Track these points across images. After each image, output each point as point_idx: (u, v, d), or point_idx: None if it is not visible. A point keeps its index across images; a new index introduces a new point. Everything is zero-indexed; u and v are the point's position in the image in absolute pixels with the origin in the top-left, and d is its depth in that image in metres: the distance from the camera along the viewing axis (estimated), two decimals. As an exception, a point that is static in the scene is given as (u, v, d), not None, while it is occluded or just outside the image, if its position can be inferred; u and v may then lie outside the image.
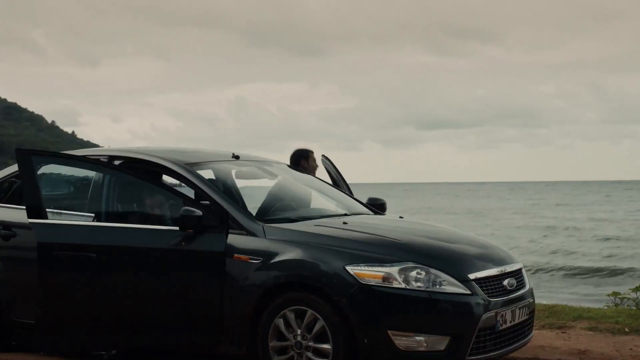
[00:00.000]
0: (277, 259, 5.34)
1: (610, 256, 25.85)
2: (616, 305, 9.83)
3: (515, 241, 31.95)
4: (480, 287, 5.26)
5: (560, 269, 22.40)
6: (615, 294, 10.19)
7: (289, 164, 7.60)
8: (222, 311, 5.46)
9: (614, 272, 21.12)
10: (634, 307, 8.96)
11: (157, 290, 5.72)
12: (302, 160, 7.92)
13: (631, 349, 6.63)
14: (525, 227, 38.79)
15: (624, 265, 22.66)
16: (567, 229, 38.30)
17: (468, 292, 5.17)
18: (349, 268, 5.13)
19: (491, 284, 5.37)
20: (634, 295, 9.88)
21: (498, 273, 5.50)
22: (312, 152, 8.08)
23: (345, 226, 5.70)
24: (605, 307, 9.53)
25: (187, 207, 5.57)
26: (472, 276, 5.27)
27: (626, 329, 7.25)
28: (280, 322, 5.27)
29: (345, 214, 6.41)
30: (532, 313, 5.87)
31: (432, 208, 66.78)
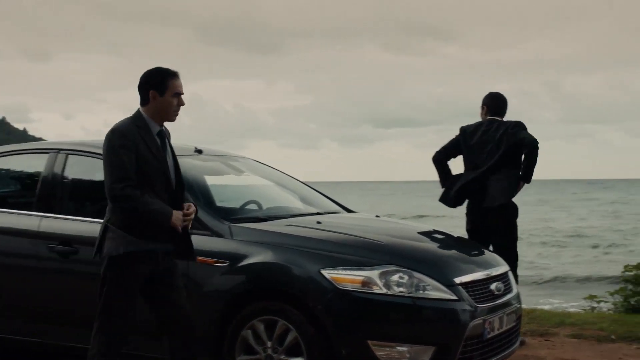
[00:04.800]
0: (245, 262, 4.85)
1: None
2: (593, 308, 9.55)
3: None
4: (467, 292, 4.82)
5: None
6: (592, 297, 9.89)
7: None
8: None
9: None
10: (616, 312, 8.64)
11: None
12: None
13: (620, 358, 6.29)
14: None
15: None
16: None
17: (454, 297, 4.73)
18: (324, 272, 4.65)
19: (478, 289, 4.94)
20: (611, 298, 9.61)
21: (485, 277, 5.08)
22: None
23: (319, 226, 5.24)
24: (583, 311, 9.25)
25: None
26: (458, 280, 4.83)
27: (612, 337, 6.91)
28: (248, 333, 4.78)
29: (318, 213, 5.95)
30: (519, 319, 5.47)
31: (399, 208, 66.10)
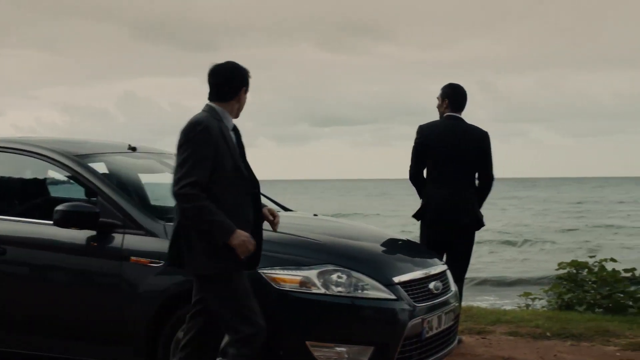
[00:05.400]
0: (180, 262, 4.71)
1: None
2: (527, 306, 9.64)
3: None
4: (406, 291, 4.78)
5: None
6: (526, 294, 10.00)
7: None
8: (122, 322, 4.85)
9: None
10: (550, 309, 8.74)
11: (53, 296, 5.10)
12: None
13: (555, 355, 6.35)
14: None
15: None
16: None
17: (393, 297, 4.69)
18: (262, 272, 4.56)
19: (416, 288, 4.90)
20: (545, 296, 9.73)
21: (423, 276, 5.05)
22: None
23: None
24: (518, 309, 9.33)
25: (80, 204, 4.95)
26: (396, 279, 4.78)
27: (548, 334, 6.98)
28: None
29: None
30: (457, 318, 5.45)
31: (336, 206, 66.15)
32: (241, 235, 4.10)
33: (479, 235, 6.48)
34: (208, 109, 4.28)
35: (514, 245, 30.31)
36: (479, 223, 6.32)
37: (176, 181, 4.08)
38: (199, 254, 4.15)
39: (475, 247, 6.38)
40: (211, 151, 4.09)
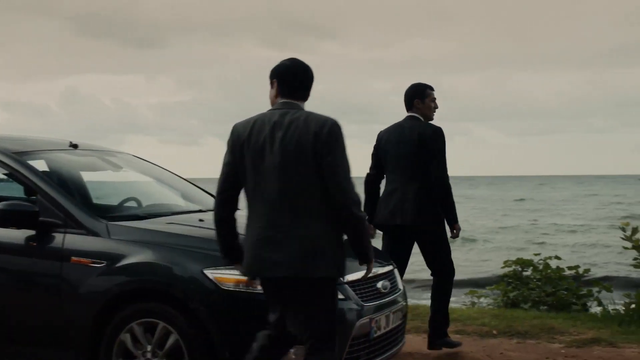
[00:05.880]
0: (123, 262, 4.61)
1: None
2: (473, 304, 9.69)
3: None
4: (354, 290, 4.73)
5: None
6: (472, 292, 10.05)
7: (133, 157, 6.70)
8: (63, 324, 4.71)
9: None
10: (496, 307, 8.78)
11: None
12: (415, 101, 6.30)
13: (501, 353, 6.37)
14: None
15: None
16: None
17: (341, 296, 4.61)
18: (207, 272, 4.47)
19: (364, 287, 4.85)
20: (491, 294, 9.79)
21: (371, 275, 4.98)
22: (430, 89, 6.37)
23: (202, 224, 5.03)
24: (464, 307, 9.36)
25: (18, 203, 4.80)
26: (344, 278, 4.71)
27: (494, 332, 7.00)
28: (126, 337, 4.55)
29: (201, 210, 5.72)
30: (405, 317, 5.42)
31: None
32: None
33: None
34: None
35: (459, 244, 30.59)
36: (416, 224, 6.10)
37: (350, 189, 3.88)
38: (329, 257, 3.94)
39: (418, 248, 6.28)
40: None
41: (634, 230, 7.99)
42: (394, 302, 5.12)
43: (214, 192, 6.38)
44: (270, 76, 4.12)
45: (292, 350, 4.42)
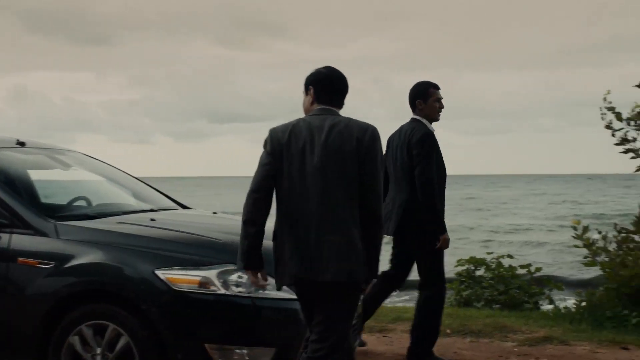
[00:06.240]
0: (72, 263, 4.50)
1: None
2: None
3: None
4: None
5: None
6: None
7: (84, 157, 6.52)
8: (9, 326, 4.59)
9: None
10: (449, 306, 8.79)
11: None
12: (417, 102, 5.91)
13: (455, 352, 6.37)
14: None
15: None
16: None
17: (295, 296, 4.57)
18: (159, 272, 4.39)
19: (318, 287, 4.80)
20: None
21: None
22: (435, 87, 5.94)
23: (153, 223, 4.95)
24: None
25: None
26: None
27: (447, 331, 7.00)
28: (75, 340, 4.44)
29: (152, 210, 5.64)
30: (359, 317, 5.37)
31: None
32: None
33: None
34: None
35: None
36: (398, 233, 5.91)
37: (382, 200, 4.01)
38: (364, 262, 3.95)
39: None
40: None
41: (585, 229, 8.06)
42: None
43: (166, 192, 6.37)
44: (305, 83, 4.16)
45: (244, 352, 4.38)
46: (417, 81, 5.98)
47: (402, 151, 5.82)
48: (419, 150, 5.69)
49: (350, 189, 3.89)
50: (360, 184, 3.89)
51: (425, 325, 5.83)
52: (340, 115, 4.06)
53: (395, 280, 6.11)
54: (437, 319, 5.83)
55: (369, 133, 3.92)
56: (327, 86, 4.09)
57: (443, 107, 5.97)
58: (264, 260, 4.19)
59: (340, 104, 4.13)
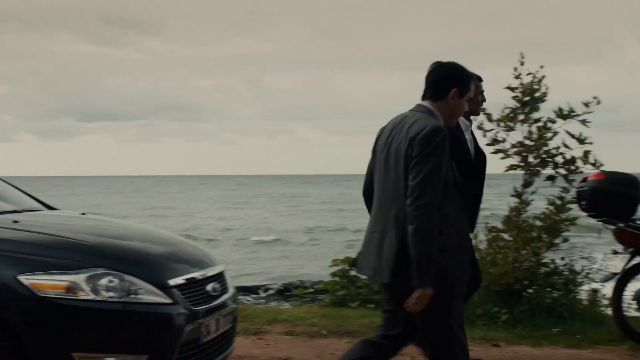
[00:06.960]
0: None
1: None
2: (302, 303, 9.67)
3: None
4: (182, 294, 4.50)
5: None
6: (301, 290, 10.01)
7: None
8: None
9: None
10: (324, 306, 8.77)
11: None
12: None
13: (332, 353, 6.32)
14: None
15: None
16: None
17: (169, 301, 4.39)
18: (22, 278, 4.10)
19: (194, 291, 4.64)
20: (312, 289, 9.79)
21: (201, 277, 4.80)
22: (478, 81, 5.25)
23: (16, 225, 4.64)
24: (292, 307, 9.32)
25: None
26: (172, 282, 4.49)
27: (324, 332, 6.96)
28: None
29: (15, 211, 5.31)
30: (235, 320, 5.25)
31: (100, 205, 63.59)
32: (428, 292, 3.70)
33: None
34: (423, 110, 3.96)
35: (268, 245, 30.12)
36: None
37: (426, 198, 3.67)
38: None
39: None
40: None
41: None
42: (224, 305, 4.93)
43: (30, 192, 6.04)
44: None
45: None
46: None
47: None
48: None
49: (402, 189, 3.79)
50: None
51: None
52: (420, 112, 3.94)
53: None
54: None
55: (423, 132, 3.76)
56: (425, 80, 4.06)
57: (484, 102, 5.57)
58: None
59: (432, 96, 3.99)
